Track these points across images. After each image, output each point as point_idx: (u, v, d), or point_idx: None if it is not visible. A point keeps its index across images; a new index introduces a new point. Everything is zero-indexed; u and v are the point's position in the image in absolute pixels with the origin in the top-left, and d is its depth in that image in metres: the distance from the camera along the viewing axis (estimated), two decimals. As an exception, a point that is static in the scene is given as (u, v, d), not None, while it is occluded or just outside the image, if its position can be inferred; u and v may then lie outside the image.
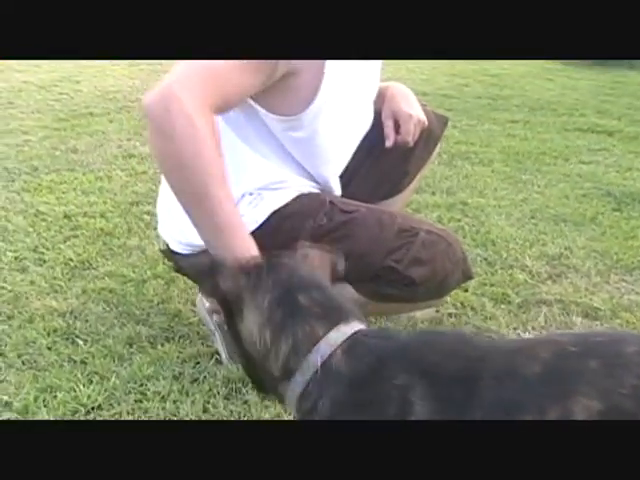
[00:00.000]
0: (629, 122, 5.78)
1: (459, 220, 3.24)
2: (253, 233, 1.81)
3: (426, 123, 2.15)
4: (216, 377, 1.96)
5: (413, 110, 2.11)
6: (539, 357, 1.07)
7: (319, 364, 1.16)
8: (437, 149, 2.28)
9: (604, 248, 2.98)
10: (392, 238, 1.83)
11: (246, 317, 1.26)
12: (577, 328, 2.32)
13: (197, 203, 1.50)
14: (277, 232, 1.80)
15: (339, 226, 1.83)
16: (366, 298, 1.86)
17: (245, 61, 1.56)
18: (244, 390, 1.90)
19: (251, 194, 1.81)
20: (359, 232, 1.83)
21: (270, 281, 1.26)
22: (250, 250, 1.49)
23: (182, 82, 1.49)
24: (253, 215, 1.80)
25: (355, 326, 1.21)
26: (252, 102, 1.74)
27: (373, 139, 2.04)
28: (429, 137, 2.16)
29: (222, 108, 1.59)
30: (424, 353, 1.14)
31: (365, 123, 2.00)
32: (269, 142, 1.82)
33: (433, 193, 3.63)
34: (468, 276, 1.96)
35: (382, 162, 2.08)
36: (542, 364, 1.06)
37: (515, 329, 2.31)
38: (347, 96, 1.84)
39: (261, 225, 1.80)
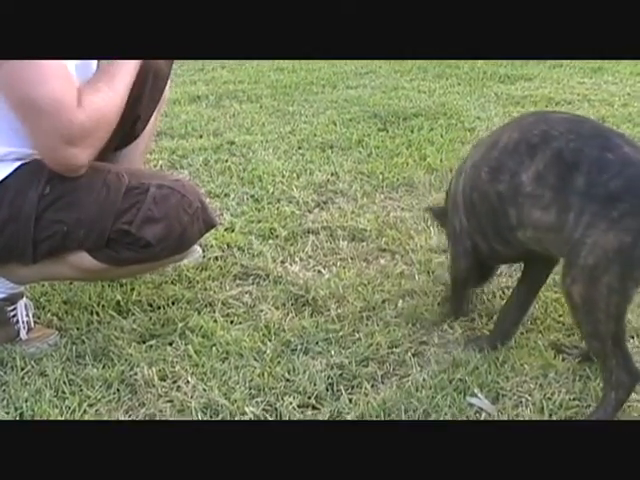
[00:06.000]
0: (395, 43, 5.89)
1: (226, 161, 3.16)
2: None
3: None
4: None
5: None
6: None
7: None
8: (167, 88, 2.16)
9: (370, 169, 3.00)
10: (120, 199, 1.74)
11: None
12: (344, 252, 2.31)
13: None
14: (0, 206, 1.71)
15: (64, 194, 1.73)
16: (107, 265, 1.78)
17: None
18: (2, 372, 1.76)
19: None
20: (85, 197, 1.73)
21: None
22: None
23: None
24: None
25: None
26: None
27: None
28: (157, 76, 2.04)
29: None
30: None
31: (90, 70, 1.87)
32: None
33: (200, 136, 3.52)
34: (210, 224, 1.88)
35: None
36: None
37: (282, 262, 2.27)
38: None
39: None
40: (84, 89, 1.67)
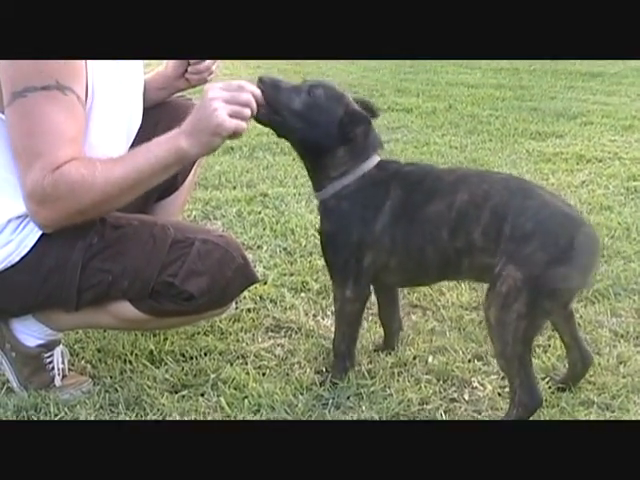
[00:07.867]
0: (427, 98, 5.96)
1: (259, 212, 3.20)
2: (24, 257, 1.73)
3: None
4: (7, 407, 1.83)
5: None
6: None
7: None
8: None
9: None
10: (166, 252, 1.77)
11: None
12: (375, 307, 2.30)
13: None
14: (47, 255, 1.73)
15: (111, 243, 1.76)
16: (148, 315, 1.80)
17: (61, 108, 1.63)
18: (35, 417, 1.79)
19: (18, 218, 1.73)
20: (132, 248, 1.76)
21: None
22: None
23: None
24: (22, 239, 1.73)
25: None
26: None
27: (143, 138, 1.96)
28: None
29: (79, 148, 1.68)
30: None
31: (135, 124, 1.91)
32: None
33: (234, 187, 3.56)
34: (252, 280, 1.90)
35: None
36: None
37: (315, 316, 2.29)
38: (113, 96, 1.78)
39: (32, 248, 1.73)
40: (82, 160, 1.66)
